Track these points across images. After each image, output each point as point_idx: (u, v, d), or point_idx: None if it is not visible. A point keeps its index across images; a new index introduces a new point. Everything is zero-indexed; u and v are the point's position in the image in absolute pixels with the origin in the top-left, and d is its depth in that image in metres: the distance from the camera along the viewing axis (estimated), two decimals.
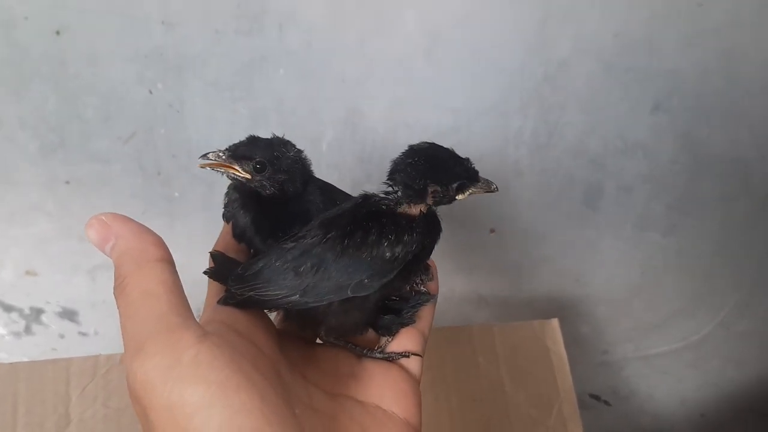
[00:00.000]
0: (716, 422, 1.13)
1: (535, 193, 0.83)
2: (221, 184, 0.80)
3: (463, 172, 0.46)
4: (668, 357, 1.03)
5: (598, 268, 0.92)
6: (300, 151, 0.51)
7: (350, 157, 0.79)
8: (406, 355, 0.49)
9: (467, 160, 0.47)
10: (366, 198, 0.48)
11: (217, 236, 0.56)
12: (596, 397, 1.10)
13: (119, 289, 0.38)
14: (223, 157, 0.48)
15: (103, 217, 0.40)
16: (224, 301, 0.46)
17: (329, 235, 0.45)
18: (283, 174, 0.49)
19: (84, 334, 0.97)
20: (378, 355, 0.49)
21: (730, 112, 0.75)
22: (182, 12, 0.68)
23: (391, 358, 0.49)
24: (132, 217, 0.82)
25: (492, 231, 0.87)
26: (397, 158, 0.47)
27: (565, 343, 0.77)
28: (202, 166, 0.48)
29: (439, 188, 0.46)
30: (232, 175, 0.49)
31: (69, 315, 0.94)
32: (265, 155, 0.48)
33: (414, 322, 0.50)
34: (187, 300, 0.38)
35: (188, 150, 0.78)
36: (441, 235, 0.48)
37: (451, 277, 0.92)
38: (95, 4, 0.67)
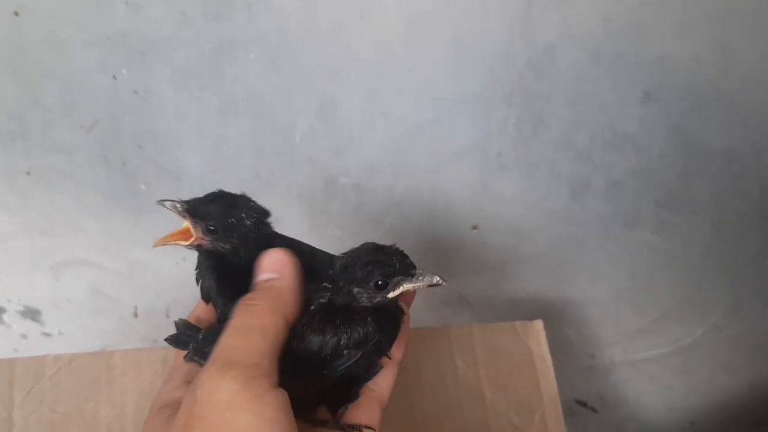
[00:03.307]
0: (706, 430, 1.12)
1: (519, 188, 0.80)
2: (189, 178, 0.78)
3: (379, 270, 0.45)
4: (657, 362, 1.02)
5: (585, 268, 0.90)
6: (262, 216, 0.50)
7: (325, 150, 0.76)
8: (358, 429, 0.48)
9: (395, 255, 0.45)
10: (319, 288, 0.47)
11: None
12: (582, 404, 1.09)
13: (246, 311, 0.43)
14: (179, 208, 0.48)
15: (289, 256, 0.46)
16: (189, 358, 0.48)
17: None
18: (236, 239, 0.49)
19: (47, 335, 0.94)
20: (330, 426, 0.49)
21: (724, 104, 0.73)
22: None
23: (343, 429, 0.48)
24: (96, 211, 0.80)
25: (474, 228, 0.85)
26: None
27: (550, 346, 0.75)
28: (156, 245, 0.50)
29: (360, 290, 0.45)
30: (180, 245, 0.50)
31: (32, 314, 0.92)
32: (219, 219, 0.48)
33: (357, 398, 0.49)
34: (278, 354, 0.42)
35: (155, 140, 0.75)
36: (401, 325, 0.49)
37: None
38: None
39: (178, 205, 0.48)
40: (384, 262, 0.45)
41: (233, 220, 0.48)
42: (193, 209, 0.48)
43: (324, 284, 0.47)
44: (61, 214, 0.81)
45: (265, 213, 0.51)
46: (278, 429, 0.37)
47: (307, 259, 0.49)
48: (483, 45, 0.69)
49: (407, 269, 0.45)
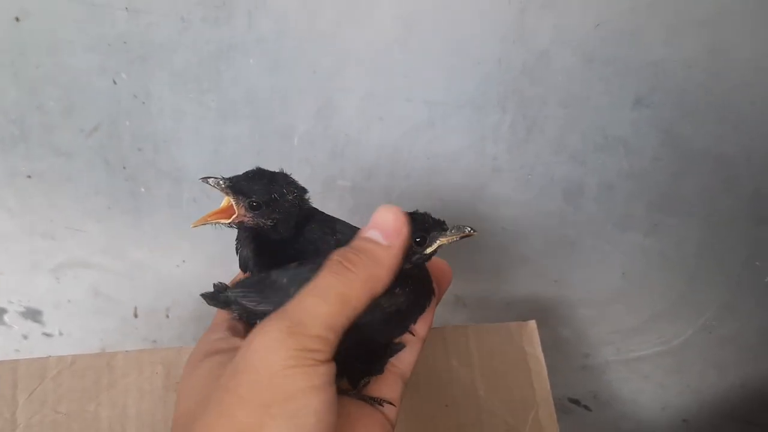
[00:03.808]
0: (698, 428, 1.12)
1: (514, 190, 0.81)
2: (188, 180, 0.78)
3: (417, 225, 0.45)
4: (650, 361, 1.02)
5: (578, 269, 0.90)
6: (301, 193, 0.51)
7: (322, 152, 0.77)
8: (379, 402, 0.48)
9: (425, 215, 0.46)
10: None
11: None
12: (576, 402, 1.09)
13: (342, 267, 0.40)
14: (222, 185, 0.48)
15: (406, 223, 0.42)
16: (209, 297, 0.49)
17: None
18: (278, 215, 0.49)
19: (48, 335, 0.95)
20: (352, 395, 0.49)
21: (715, 108, 0.74)
22: None
23: (365, 400, 0.48)
24: (96, 213, 0.81)
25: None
26: None
27: (545, 346, 0.75)
28: (196, 225, 0.50)
29: None
30: (221, 224, 0.50)
31: (32, 315, 0.92)
32: (262, 195, 0.48)
33: (381, 372, 0.50)
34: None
35: (154, 143, 0.76)
36: (432, 297, 0.50)
37: None
38: None
39: (221, 182, 0.48)
40: (419, 219, 0.45)
41: (276, 195, 0.48)
42: (236, 186, 0.48)
43: None
44: (62, 216, 0.81)
45: (304, 190, 0.51)
46: (323, 398, 0.37)
47: (339, 237, 0.50)
48: (478, 49, 0.70)
49: (440, 225, 0.46)
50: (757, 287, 0.91)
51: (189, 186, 0.79)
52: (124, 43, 0.68)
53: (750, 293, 0.92)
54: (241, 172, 0.77)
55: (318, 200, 0.80)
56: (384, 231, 0.42)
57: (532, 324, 0.75)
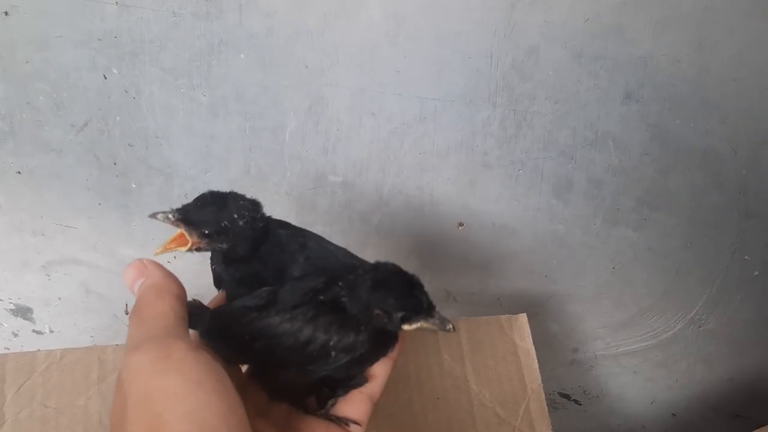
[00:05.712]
0: (687, 422, 1.13)
1: (504, 186, 0.81)
2: (180, 176, 0.78)
3: (411, 304, 0.46)
4: (638, 355, 1.03)
5: (568, 264, 0.90)
6: (254, 213, 0.51)
7: (313, 148, 0.77)
8: (345, 422, 0.49)
9: (421, 291, 0.47)
10: (329, 283, 0.48)
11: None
12: (566, 396, 1.09)
13: (135, 312, 0.43)
14: (172, 219, 0.49)
15: (144, 261, 0.47)
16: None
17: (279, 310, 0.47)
18: (231, 240, 0.50)
19: (39, 333, 0.94)
20: (320, 414, 0.50)
21: (702, 103, 0.74)
22: None
23: (332, 420, 0.50)
24: (87, 210, 0.81)
25: (460, 225, 0.86)
26: (360, 270, 0.48)
27: (534, 340, 0.75)
28: (157, 254, 0.51)
29: (381, 312, 0.46)
30: (181, 251, 0.51)
31: (23, 312, 0.92)
32: (212, 225, 0.49)
33: (345, 394, 0.51)
34: (188, 330, 0.43)
35: (145, 139, 0.75)
36: (394, 346, 0.50)
37: (419, 273, 0.91)
38: None
39: (170, 216, 0.49)
40: (418, 300, 0.46)
41: (226, 223, 0.49)
42: (186, 217, 0.49)
43: (338, 283, 0.47)
44: (52, 213, 0.81)
45: (257, 207, 0.51)
46: (206, 389, 0.37)
47: (309, 253, 0.51)
48: (468, 45, 0.70)
49: (431, 311, 0.46)
50: (744, 281, 0.92)
51: (180, 182, 0.79)
52: (115, 38, 0.68)
53: (738, 287, 0.93)
54: (225, 173, 0.78)
55: (309, 196, 0.81)
56: (135, 279, 0.47)
57: (523, 317, 0.76)
